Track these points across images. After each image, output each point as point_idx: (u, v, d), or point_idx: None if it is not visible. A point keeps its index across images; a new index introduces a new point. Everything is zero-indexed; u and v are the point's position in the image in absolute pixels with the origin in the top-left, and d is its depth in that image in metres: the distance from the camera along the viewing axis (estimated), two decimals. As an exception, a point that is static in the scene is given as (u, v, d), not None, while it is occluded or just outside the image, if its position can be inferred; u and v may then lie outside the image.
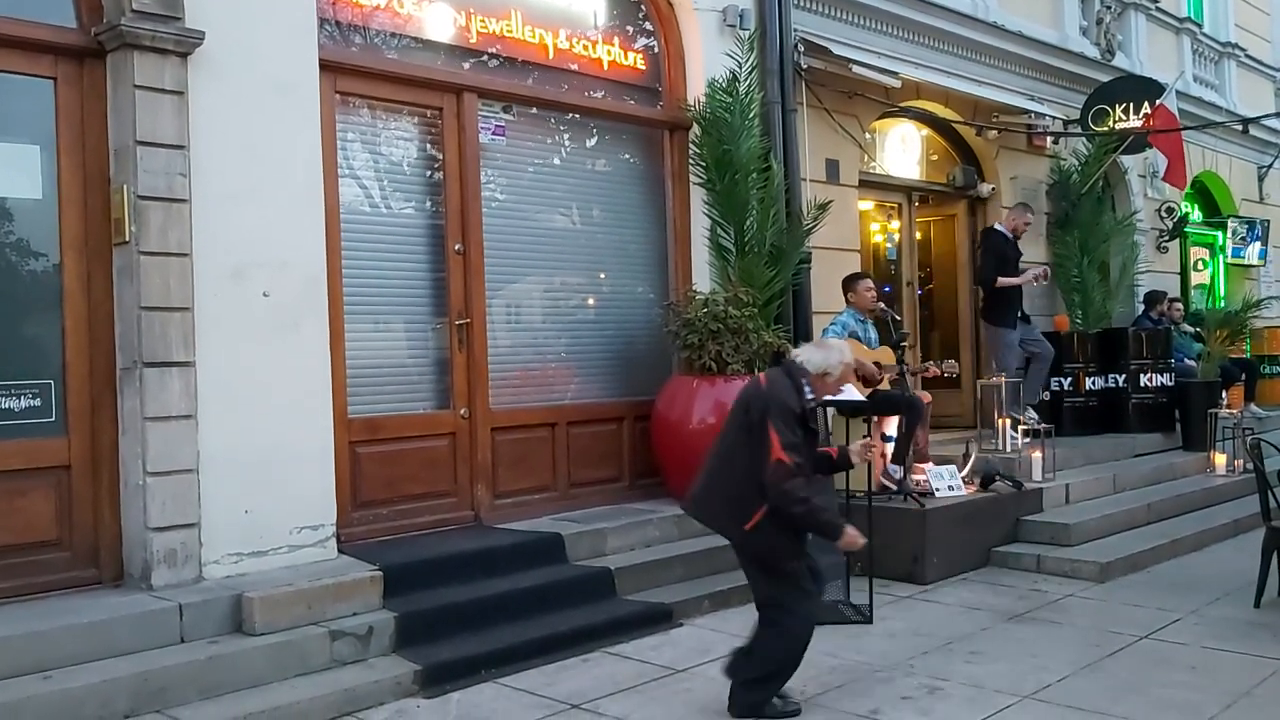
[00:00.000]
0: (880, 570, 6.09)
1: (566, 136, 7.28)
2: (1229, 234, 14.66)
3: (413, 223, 6.46)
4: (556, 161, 7.23)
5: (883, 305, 7.47)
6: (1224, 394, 10.18)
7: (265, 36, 5.42)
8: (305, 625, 4.85)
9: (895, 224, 10.41)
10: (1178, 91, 11.06)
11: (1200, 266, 14.89)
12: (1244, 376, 11.64)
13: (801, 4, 8.37)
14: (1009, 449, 8.02)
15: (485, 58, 6.81)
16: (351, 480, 5.93)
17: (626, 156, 7.64)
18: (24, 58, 4.93)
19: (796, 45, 8.18)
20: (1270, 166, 15.30)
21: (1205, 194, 14.61)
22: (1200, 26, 14.20)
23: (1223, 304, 14.31)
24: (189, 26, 5.10)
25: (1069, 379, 9.76)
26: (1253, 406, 11.62)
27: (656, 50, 7.76)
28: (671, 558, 6.23)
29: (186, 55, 5.09)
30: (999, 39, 10.27)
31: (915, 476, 7.21)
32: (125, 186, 4.96)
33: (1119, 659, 5.17)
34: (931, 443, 7.94)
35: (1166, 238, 12.89)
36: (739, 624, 5.05)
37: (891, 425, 7.21)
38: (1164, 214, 12.87)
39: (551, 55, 7.10)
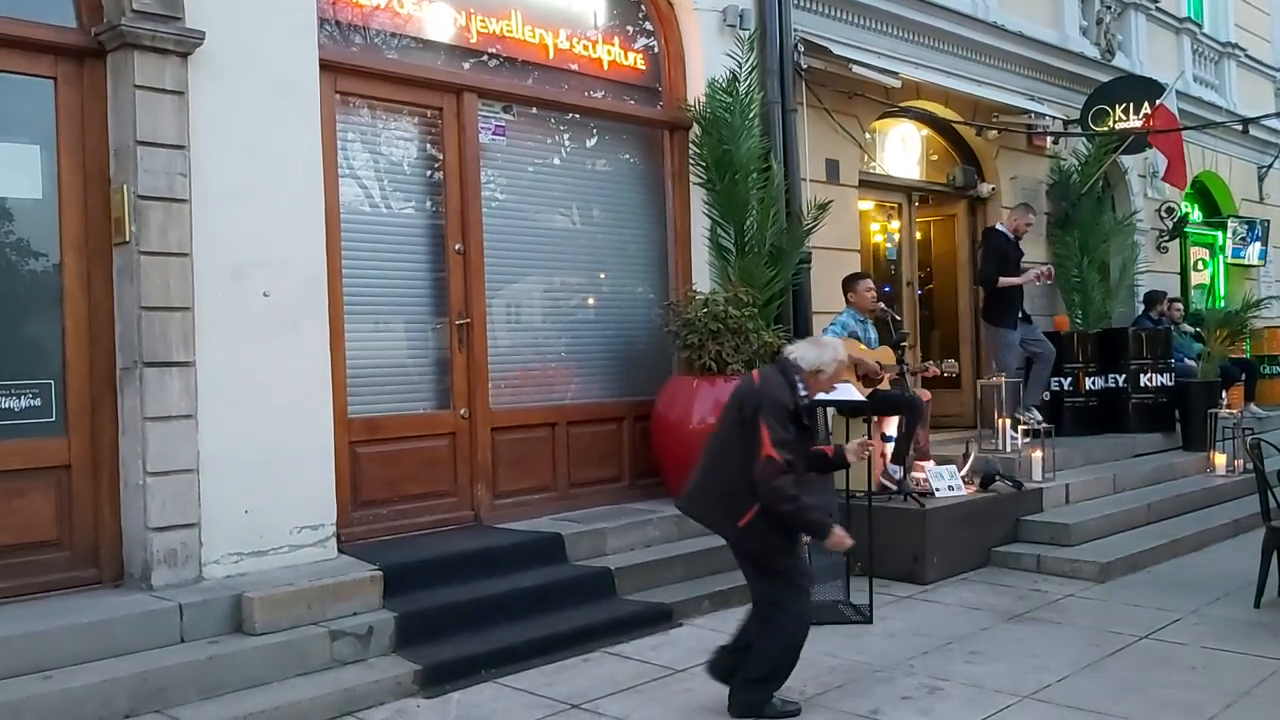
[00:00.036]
0: (880, 570, 6.09)
1: (566, 136, 7.28)
2: (1229, 234, 14.66)
3: (413, 222, 6.46)
4: (556, 161, 7.23)
5: (883, 305, 7.46)
6: (1224, 394, 10.18)
7: (265, 36, 5.42)
8: (305, 625, 4.85)
9: (895, 224, 10.42)
10: (1178, 91, 11.06)
11: (1200, 266, 14.89)
12: (1244, 376, 11.64)
13: (801, 4, 8.37)
14: (1009, 449, 8.02)
15: (485, 58, 6.81)
16: (351, 480, 5.93)
17: (626, 156, 7.64)
18: (24, 58, 4.93)
19: (796, 45, 8.18)
20: (1270, 166, 15.30)
21: (1205, 194, 14.61)
22: (1200, 26, 14.20)
23: (1223, 304, 14.31)
24: (189, 26, 5.10)
25: (1069, 379, 9.76)
26: (1253, 406, 11.62)
27: (656, 50, 7.76)
28: (671, 558, 6.23)
29: (187, 55, 5.09)
30: (999, 39, 10.27)
31: (916, 475, 7.22)
32: (125, 186, 4.97)
33: (1119, 659, 5.17)
34: (932, 442, 7.93)
35: (1166, 238, 12.89)
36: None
37: (891, 425, 7.21)
38: (1164, 214, 12.87)
39: (551, 55, 7.10)
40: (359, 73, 6.11)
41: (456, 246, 6.50)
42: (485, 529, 6.36)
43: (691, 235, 7.68)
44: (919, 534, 6.75)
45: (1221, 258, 15.04)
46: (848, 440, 6.60)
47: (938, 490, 7.07)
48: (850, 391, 6.09)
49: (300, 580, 5.03)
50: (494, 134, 6.79)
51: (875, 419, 7.16)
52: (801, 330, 7.74)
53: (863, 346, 7.16)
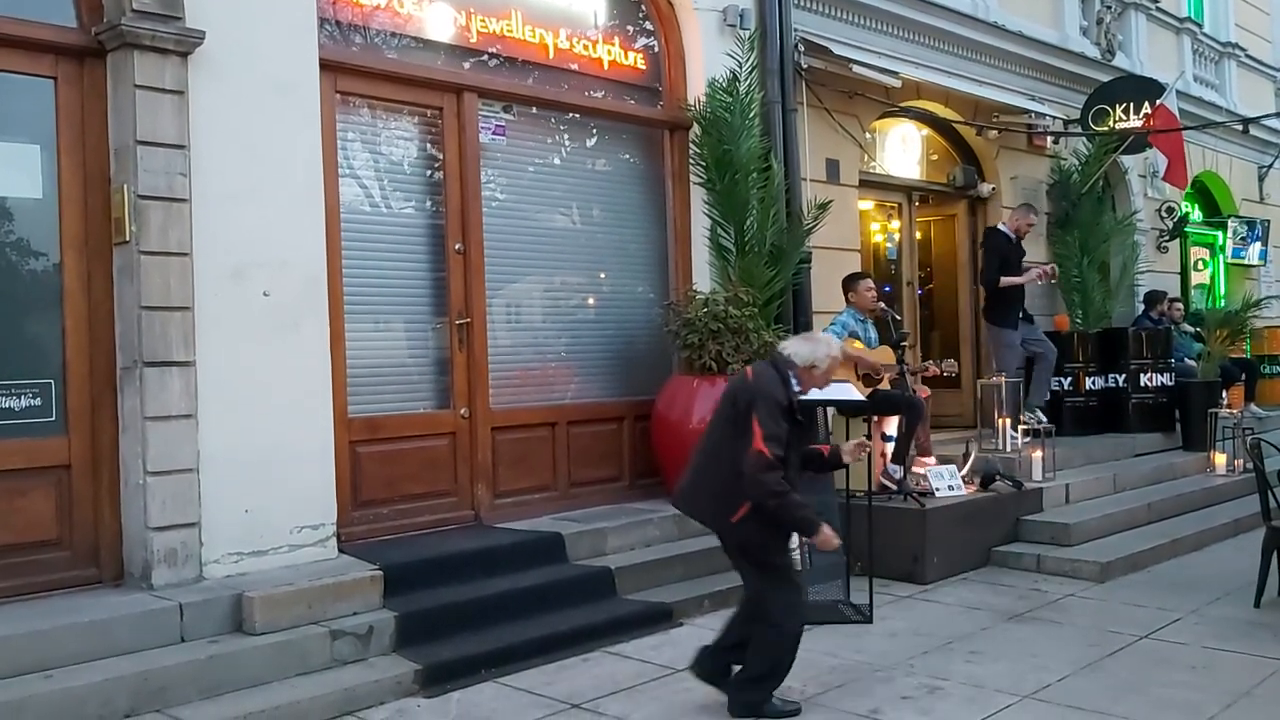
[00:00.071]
0: (880, 570, 6.10)
1: (567, 136, 7.28)
2: (1229, 234, 14.66)
3: (413, 222, 6.46)
4: (557, 161, 7.23)
5: (883, 305, 7.46)
6: (1224, 394, 10.19)
7: (265, 36, 5.42)
8: (305, 625, 4.85)
9: (895, 224, 10.41)
10: (1178, 91, 11.06)
11: (1200, 266, 14.89)
12: (1244, 376, 11.65)
13: (802, 4, 8.37)
14: (1009, 449, 8.02)
15: (485, 57, 6.81)
16: (352, 480, 5.93)
17: (627, 156, 7.64)
18: (24, 57, 4.93)
19: (797, 45, 8.18)
20: (1270, 166, 15.30)
21: (1205, 194, 14.61)
22: (1200, 26, 14.20)
23: (1223, 304, 14.31)
24: (189, 26, 5.10)
25: (1069, 379, 9.76)
26: (1253, 406, 11.62)
27: (657, 50, 7.76)
28: (671, 557, 6.23)
29: (187, 55, 5.09)
30: (999, 39, 10.27)
31: (917, 471, 7.22)
32: (125, 186, 4.97)
33: (1119, 659, 5.17)
34: (932, 441, 7.93)
35: (1167, 238, 12.89)
36: (739, 623, 5.05)
37: (891, 425, 7.21)
38: (1164, 214, 12.87)
39: (552, 55, 7.10)
40: (359, 72, 6.11)
41: (457, 246, 6.50)
42: (485, 529, 6.36)
43: (692, 235, 7.68)
44: (919, 534, 6.75)
45: (1222, 258, 15.04)
46: (848, 440, 6.65)
47: (938, 490, 7.07)
48: (850, 391, 6.10)
49: (300, 580, 5.03)
50: (494, 134, 6.79)
51: (875, 419, 7.17)
52: (801, 330, 7.74)
53: (863, 346, 7.17)
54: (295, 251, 5.49)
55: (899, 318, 8.12)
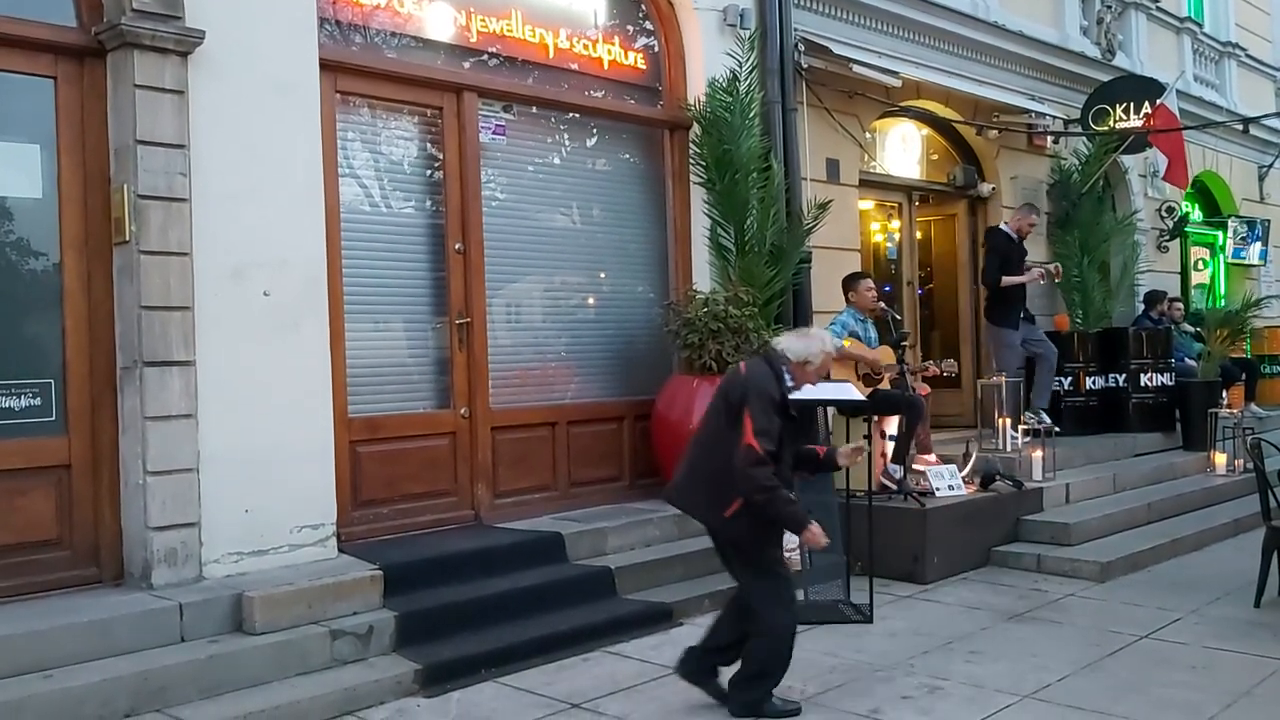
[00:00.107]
0: (880, 570, 6.10)
1: (567, 136, 7.28)
2: (1230, 234, 14.66)
3: (413, 222, 6.46)
4: (557, 161, 7.23)
5: (883, 305, 7.46)
6: (1224, 394, 10.19)
7: (265, 36, 5.42)
8: (305, 624, 4.85)
9: (895, 223, 10.41)
10: (1178, 91, 11.06)
11: (1200, 266, 14.89)
12: (1244, 376, 11.64)
13: (802, 3, 8.37)
14: (1009, 448, 8.02)
15: (485, 57, 6.81)
16: (352, 479, 5.93)
17: (627, 156, 7.64)
18: (24, 57, 4.93)
19: (797, 45, 8.18)
20: (1271, 166, 15.29)
21: (1206, 194, 14.60)
22: (1201, 26, 14.20)
23: (1223, 304, 14.31)
24: (189, 26, 5.10)
25: (1069, 379, 9.75)
26: (1253, 406, 11.62)
27: (657, 50, 7.76)
28: (672, 557, 6.23)
29: (187, 55, 5.09)
30: (999, 39, 10.27)
31: (917, 471, 7.22)
32: (125, 186, 4.96)
33: (1119, 658, 5.17)
34: (933, 441, 7.93)
35: (1167, 237, 12.89)
36: (739, 623, 5.05)
37: (892, 424, 7.21)
38: (1164, 214, 12.87)
39: (552, 55, 7.10)
40: (359, 72, 6.11)
41: (457, 246, 6.50)
42: (485, 528, 6.36)
43: (692, 235, 7.68)
44: (919, 534, 6.75)
45: (1222, 257, 15.03)
46: (848, 439, 6.65)
47: (938, 490, 7.07)
48: (850, 391, 6.10)
49: (300, 579, 5.03)
50: (494, 133, 6.79)
51: (875, 418, 7.16)
52: (802, 329, 7.75)
53: (864, 346, 7.17)
54: (295, 251, 5.49)
55: (899, 317, 8.12)
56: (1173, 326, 11.02)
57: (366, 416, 6.07)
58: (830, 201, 8.07)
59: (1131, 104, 10.61)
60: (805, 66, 8.30)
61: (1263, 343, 13.36)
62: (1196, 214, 14.34)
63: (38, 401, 4.94)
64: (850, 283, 7.42)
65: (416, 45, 6.48)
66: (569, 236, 7.25)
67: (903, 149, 10.14)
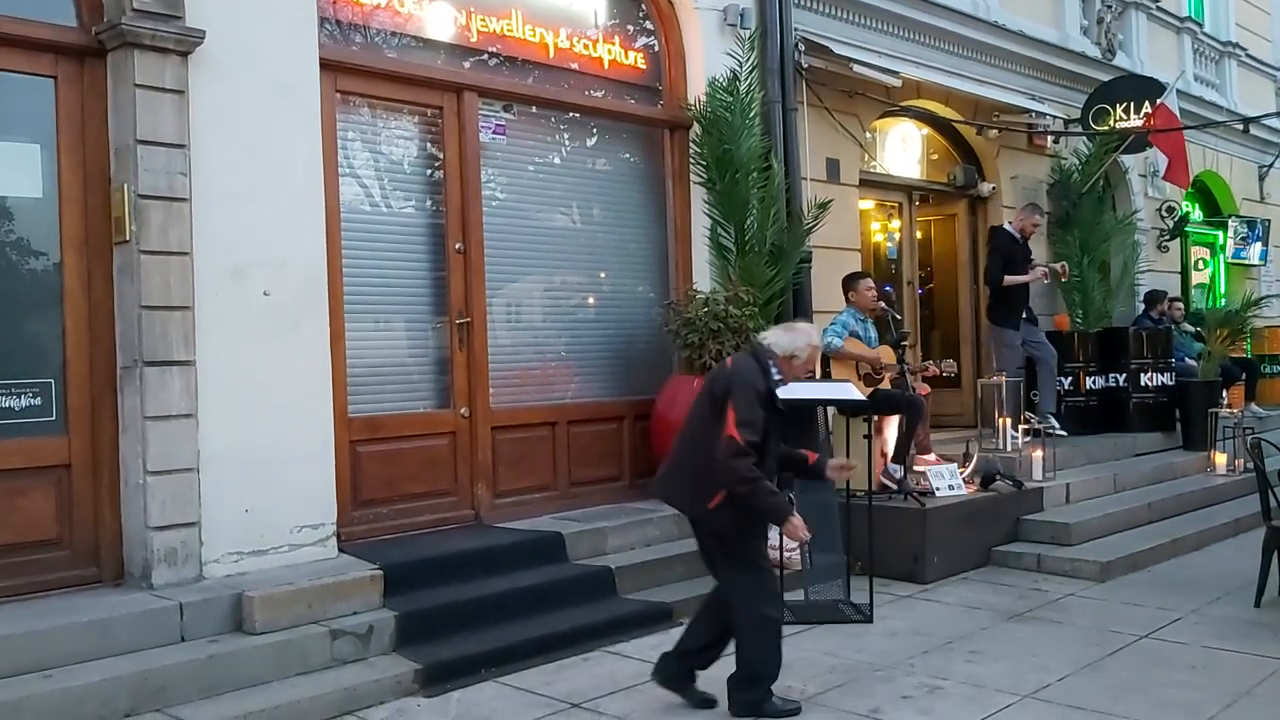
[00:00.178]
0: (880, 569, 6.10)
1: (567, 136, 7.28)
2: (1230, 234, 14.66)
3: (413, 222, 6.46)
4: (557, 160, 7.23)
5: (883, 304, 7.46)
6: (1224, 393, 10.19)
7: (265, 36, 5.42)
8: (305, 624, 4.85)
9: (896, 223, 10.41)
10: (1178, 91, 11.06)
11: (1201, 266, 14.89)
12: (1244, 376, 11.65)
13: (802, 3, 8.37)
14: (1009, 448, 8.02)
15: (486, 57, 6.81)
16: (352, 479, 5.93)
17: (627, 156, 7.64)
18: (24, 57, 4.93)
19: (797, 44, 8.18)
20: (1271, 166, 15.29)
21: (1206, 193, 14.60)
22: (1201, 26, 14.20)
23: (1223, 303, 14.31)
24: (189, 25, 5.10)
25: (1069, 378, 9.75)
26: (1253, 406, 11.62)
27: (657, 49, 7.76)
28: (672, 557, 6.22)
29: (187, 54, 5.09)
30: (1000, 38, 10.27)
31: (917, 470, 7.22)
32: (126, 185, 4.96)
33: (1119, 658, 5.17)
34: (932, 442, 7.93)
35: (1167, 237, 12.89)
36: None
37: (892, 424, 7.21)
38: (1164, 213, 12.87)
39: (552, 54, 7.10)
40: (359, 72, 6.11)
41: (457, 246, 6.50)
42: (485, 528, 6.35)
43: (692, 234, 7.68)
44: (919, 533, 6.75)
45: (1222, 257, 15.03)
46: (848, 440, 6.66)
47: (938, 490, 7.07)
48: (850, 390, 6.11)
49: (300, 579, 5.03)
50: (494, 133, 6.79)
51: (875, 418, 7.16)
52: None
53: (864, 346, 7.17)
54: (295, 251, 5.49)
55: (899, 317, 8.11)
56: (1173, 326, 11.02)
57: (366, 416, 6.07)
58: (830, 201, 8.07)
59: (1132, 104, 10.61)
60: (805, 66, 8.30)
61: (1263, 342, 13.36)
62: (1197, 214, 14.34)
63: (38, 401, 4.94)
64: (850, 282, 7.42)
65: (417, 45, 6.48)
66: (569, 236, 7.25)
67: (903, 149, 10.14)
